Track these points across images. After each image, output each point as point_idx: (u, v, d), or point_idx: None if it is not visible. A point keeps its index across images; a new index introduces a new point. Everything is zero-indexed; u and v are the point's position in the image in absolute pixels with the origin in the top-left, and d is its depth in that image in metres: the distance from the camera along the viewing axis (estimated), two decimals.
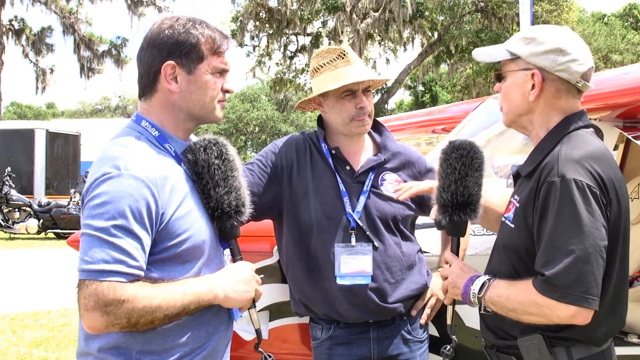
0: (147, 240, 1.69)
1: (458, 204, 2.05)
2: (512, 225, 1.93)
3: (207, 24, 1.90)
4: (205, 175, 1.87)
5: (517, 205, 1.93)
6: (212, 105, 1.90)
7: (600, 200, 1.77)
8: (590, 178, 1.78)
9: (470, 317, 2.66)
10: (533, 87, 1.93)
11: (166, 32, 1.84)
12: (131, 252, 1.64)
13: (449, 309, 2.17)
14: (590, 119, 2.99)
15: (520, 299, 1.81)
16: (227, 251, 1.97)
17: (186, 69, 1.84)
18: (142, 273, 1.67)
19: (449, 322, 2.18)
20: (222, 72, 1.91)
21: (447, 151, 2.08)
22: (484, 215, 2.19)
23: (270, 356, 2.03)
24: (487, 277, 1.97)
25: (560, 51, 1.91)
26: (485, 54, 2.10)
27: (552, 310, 1.75)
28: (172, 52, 1.82)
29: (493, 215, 2.23)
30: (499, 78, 2.05)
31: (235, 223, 1.93)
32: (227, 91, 1.94)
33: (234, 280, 1.85)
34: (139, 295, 1.63)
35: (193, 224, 1.80)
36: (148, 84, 1.87)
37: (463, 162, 2.04)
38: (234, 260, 1.95)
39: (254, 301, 1.93)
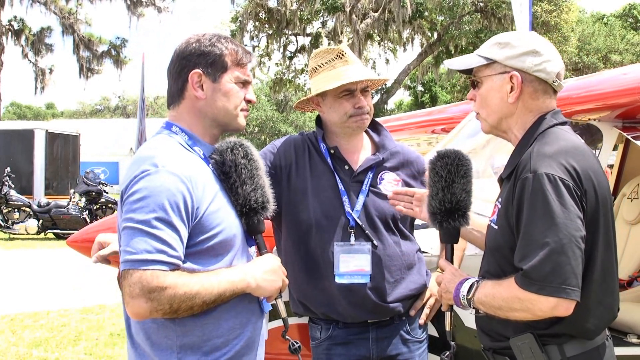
0: (185, 232, 1.81)
1: (446, 211, 2.12)
2: (496, 227, 1.97)
3: (230, 39, 2.07)
4: (232, 174, 1.98)
5: (500, 206, 1.97)
6: (236, 112, 2.04)
7: (574, 192, 1.79)
8: (564, 171, 1.80)
9: (470, 317, 2.66)
10: (511, 89, 1.98)
11: (193, 45, 2.00)
12: (171, 242, 1.76)
13: (447, 315, 2.20)
14: (590, 119, 3.00)
15: (504, 295, 1.84)
16: (253, 248, 2.09)
17: (211, 77, 1.98)
18: (180, 263, 1.79)
19: (447, 328, 2.21)
20: (245, 83, 2.06)
21: (433, 161, 2.15)
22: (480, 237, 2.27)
23: (297, 343, 2.13)
24: (475, 279, 2.01)
25: (535, 52, 1.97)
26: (458, 62, 2.14)
27: (533, 303, 1.76)
28: (198, 62, 1.98)
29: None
30: (474, 85, 2.10)
31: (262, 218, 2.04)
32: (249, 101, 2.07)
33: (264, 270, 1.97)
34: (179, 282, 1.75)
35: (224, 219, 1.92)
36: (176, 92, 2.02)
37: (449, 170, 2.11)
38: (260, 253, 2.06)
39: (280, 292, 2.04)
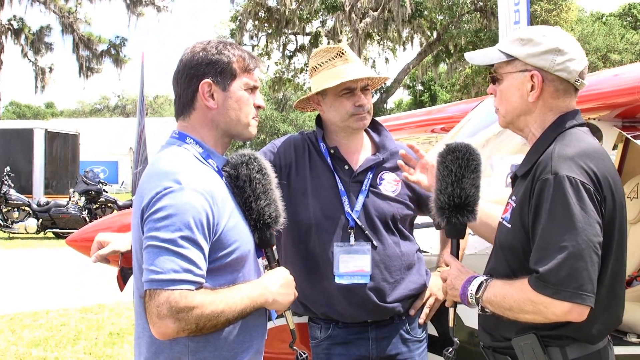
0: (207, 250, 1.80)
1: (455, 206, 2.07)
2: (509, 226, 1.93)
3: (236, 45, 2.05)
4: (247, 189, 1.96)
5: (514, 205, 1.93)
6: (247, 120, 2.02)
7: (594, 196, 1.77)
8: (584, 175, 1.78)
9: (470, 316, 2.66)
10: (532, 88, 1.94)
11: (200, 54, 1.96)
12: (197, 261, 1.75)
13: (451, 311, 2.17)
14: (589, 118, 3.00)
15: (516, 297, 1.81)
16: (260, 259, 2.08)
17: (221, 86, 1.96)
18: (204, 281, 1.78)
19: (450, 324, 2.19)
20: (253, 89, 2.03)
21: (443, 154, 2.11)
22: (488, 226, 2.24)
23: (304, 353, 2.12)
24: (484, 277, 1.97)
25: (558, 51, 1.91)
26: (479, 57, 2.09)
27: (547, 307, 1.74)
28: (207, 71, 1.95)
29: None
30: (494, 80, 2.05)
31: (273, 232, 2.03)
32: (259, 107, 2.05)
33: (279, 284, 1.97)
34: (205, 301, 1.74)
35: (240, 235, 1.92)
36: (186, 103, 1.98)
37: (459, 164, 2.06)
38: (271, 266, 2.05)
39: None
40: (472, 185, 2.08)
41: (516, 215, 1.90)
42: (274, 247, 2.74)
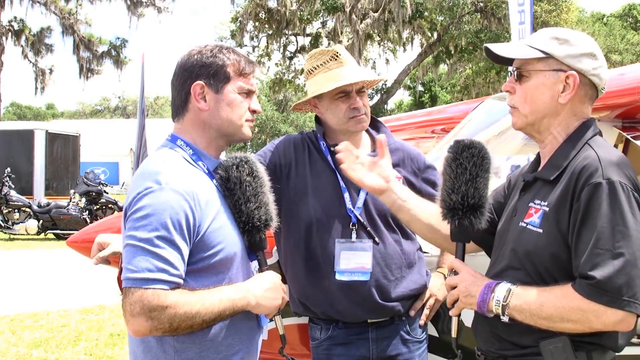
0: (186, 251, 1.81)
1: (469, 207, 1.96)
2: (540, 231, 1.82)
3: (233, 49, 2.05)
4: (237, 192, 1.96)
5: (546, 209, 1.83)
6: (240, 123, 2.01)
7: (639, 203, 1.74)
8: (630, 182, 1.74)
9: (470, 318, 2.65)
10: (564, 89, 1.86)
11: (195, 57, 1.99)
12: (172, 261, 1.76)
13: (454, 320, 2.04)
14: None
15: (559, 305, 1.72)
16: (255, 263, 2.07)
17: (214, 88, 1.97)
18: (181, 281, 1.79)
19: (454, 335, 2.05)
20: (249, 93, 2.03)
21: (456, 150, 1.99)
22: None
23: (293, 359, 2.11)
24: (509, 284, 1.84)
25: (593, 55, 1.86)
26: (508, 50, 1.96)
27: (598, 316, 1.67)
28: (200, 73, 1.96)
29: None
30: (518, 77, 1.93)
31: (264, 236, 2.02)
32: (254, 111, 2.05)
33: (265, 288, 1.96)
34: (180, 301, 1.75)
35: (226, 237, 1.92)
36: (180, 105, 2.01)
37: (474, 162, 1.96)
38: (261, 270, 2.05)
39: (279, 309, 2.02)
40: (484, 185, 1.98)
41: (550, 220, 1.80)
42: (275, 248, 2.77)
